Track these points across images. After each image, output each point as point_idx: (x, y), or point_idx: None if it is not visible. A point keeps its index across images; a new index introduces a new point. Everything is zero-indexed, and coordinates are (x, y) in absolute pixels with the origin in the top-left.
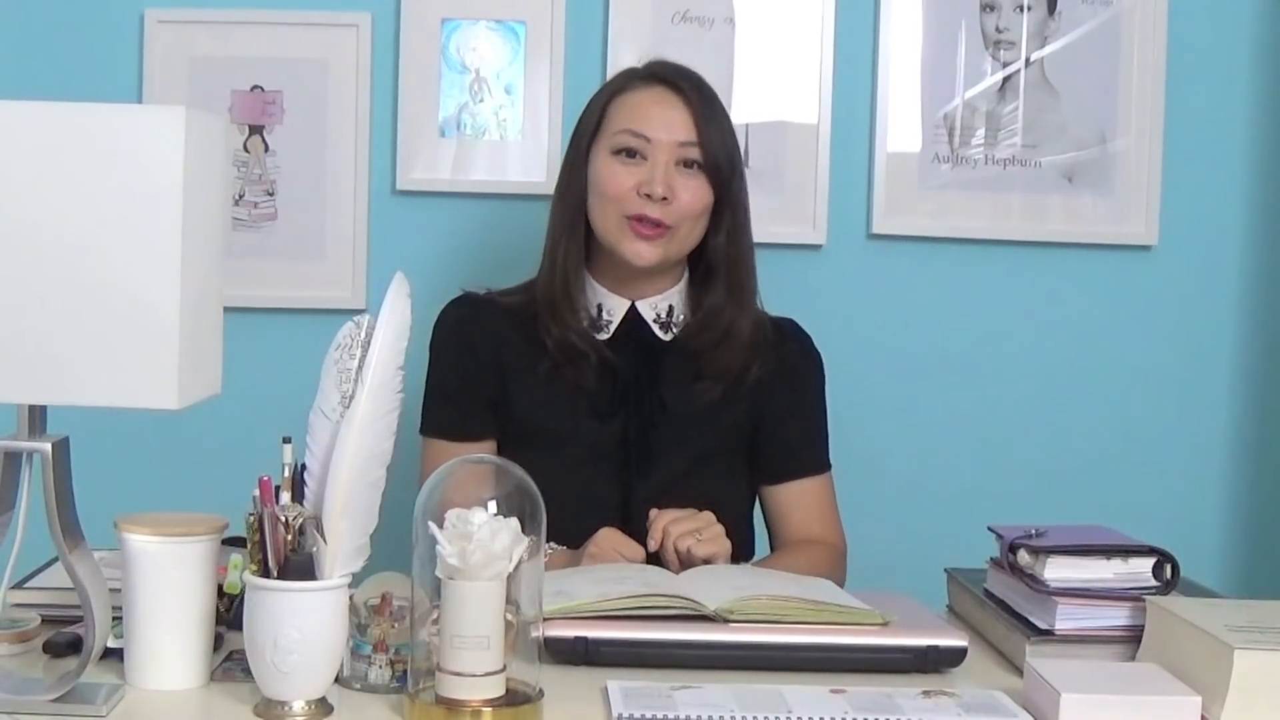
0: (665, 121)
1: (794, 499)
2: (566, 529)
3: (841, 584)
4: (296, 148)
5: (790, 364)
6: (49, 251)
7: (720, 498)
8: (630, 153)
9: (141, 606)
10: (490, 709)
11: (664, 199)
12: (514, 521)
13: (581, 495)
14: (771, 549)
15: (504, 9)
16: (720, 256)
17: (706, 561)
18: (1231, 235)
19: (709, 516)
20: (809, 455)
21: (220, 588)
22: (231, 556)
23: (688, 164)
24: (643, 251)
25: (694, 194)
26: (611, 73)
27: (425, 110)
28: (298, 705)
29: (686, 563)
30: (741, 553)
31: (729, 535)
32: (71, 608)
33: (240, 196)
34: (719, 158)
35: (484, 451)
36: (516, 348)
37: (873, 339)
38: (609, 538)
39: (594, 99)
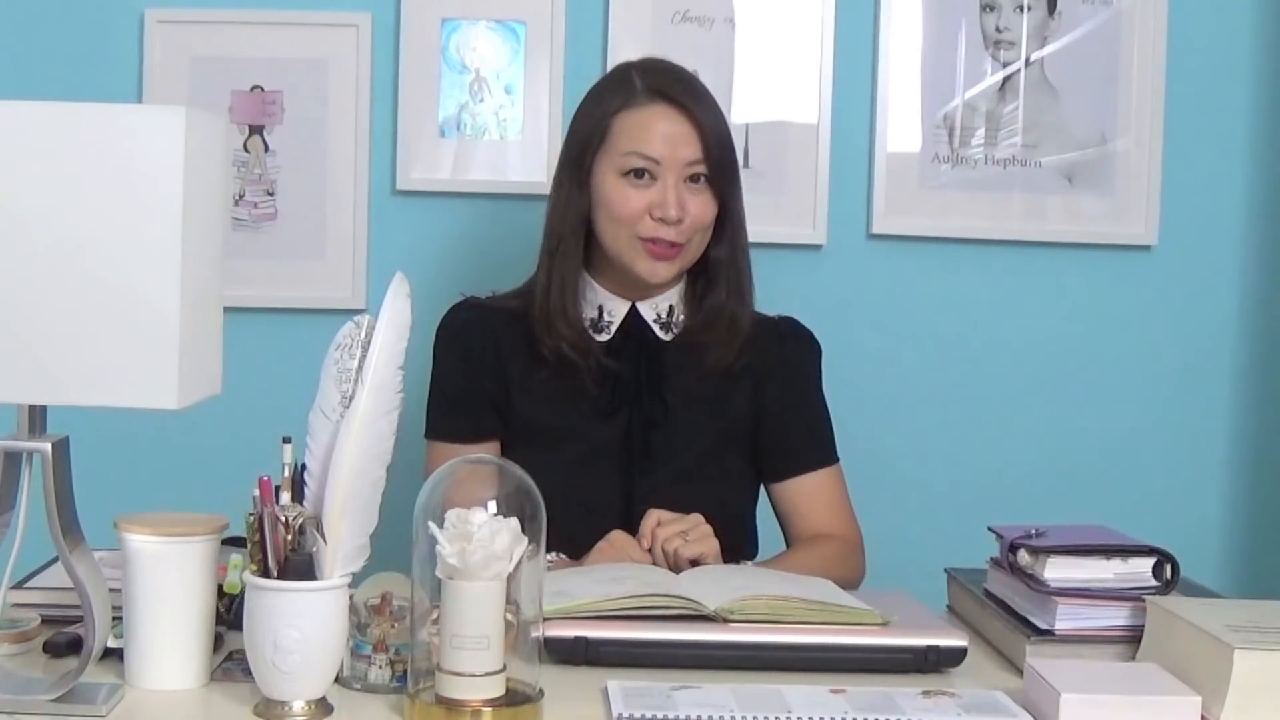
0: (672, 141)
1: (802, 494)
2: (569, 529)
3: (860, 575)
4: (296, 148)
5: (791, 360)
6: (49, 251)
7: (722, 496)
8: (639, 173)
9: (141, 606)
10: (490, 709)
11: (678, 220)
12: (514, 521)
13: (584, 495)
14: (787, 546)
15: (504, 9)
16: (722, 261)
17: (695, 562)
18: (1231, 235)
19: (697, 518)
20: (814, 449)
21: (220, 588)
22: (231, 556)
23: (694, 178)
24: (659, 270)
25: (702, 207)
26: (607, 75)
27: (425, 110)
28: (298, 705)
29: (675, 564)
30: (743, 552)
31: (731, 532)
32: (71, 608)
33: (240, 196)
34: (724, 166)
35: (488, 453)
36: (518, 350)
37: (873, 339)
38: (623, 541)
39: (594, 109)
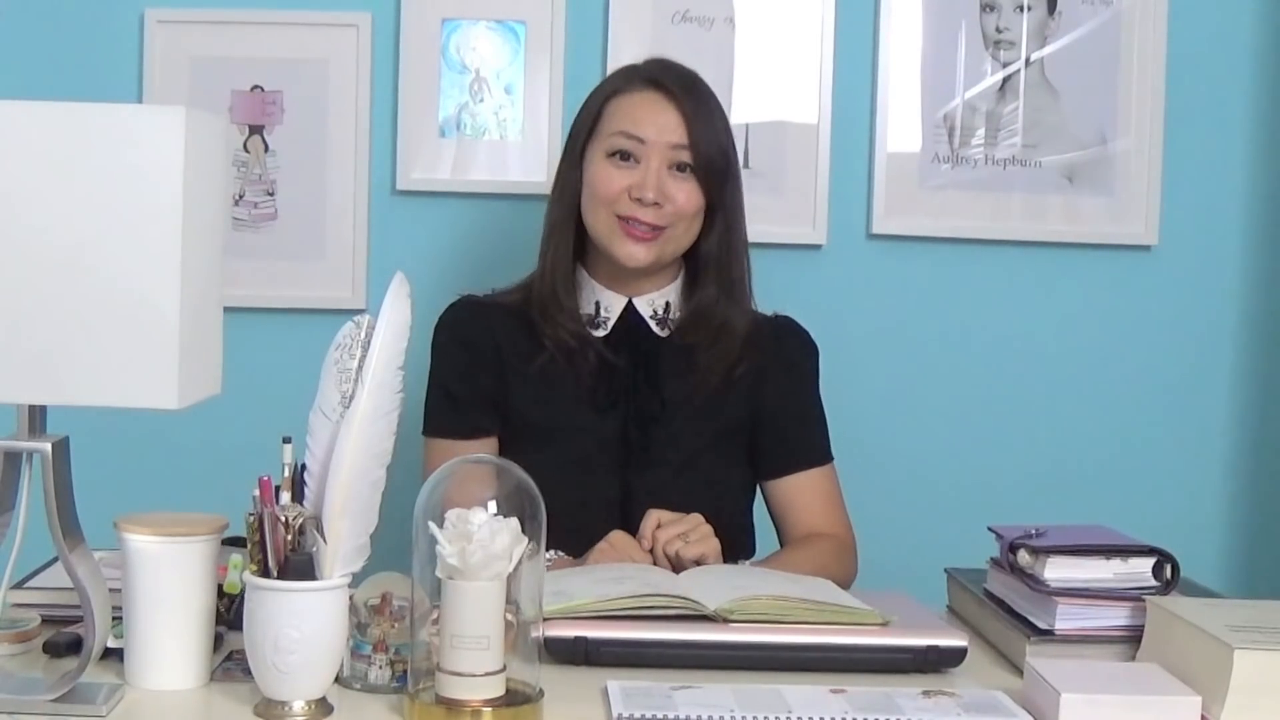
0: (658, 124)
1: (796, 492)
2: (567, 524)
3: (852, 575)
4: (296, 148)
5: (788, 358)
6: (49, 251)
7: (719, 492)
8: (624, 155)
9: (141, 606)
10: (490, 709)
11: (655, 204)
12: (514, 521)
13: (581, 491)
14: (780, 544)
15: (504, 9)
16: (713, 255)
17: (698, 562)
18: (1231, 235)
19: (697, 518)
20: (808, 448)
21: (220, 588)
22: (231, 556)
23: (680, 166)
24: (635, 253)
25: (687, 196)
26: (611, 72)
27: (425, 110)
28: (298, 705)
29: (677, 566)
30: (740, 548)
31: (728, 530)
32: (71, 608)
33: (240, 196)
34: (711, 160)
35: (486, 449)
36: (516, 345)
37: (873, 339)
38: (623, 541)
39: (590, 99)
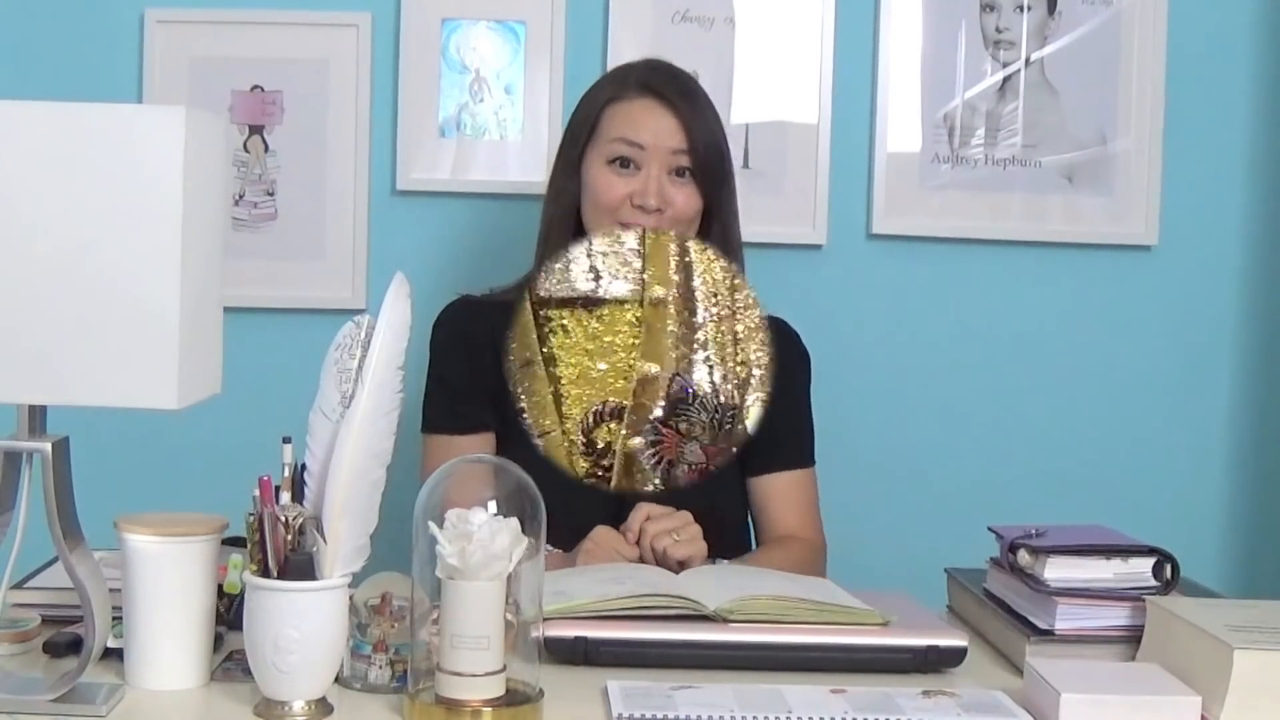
0: (657, 129)
1: (775, 491)
2: (562, 520)
3: None
4: (296, 148)
5: (780, 359)
6: (49, 251)
7: (714, 489)
8: (624, 162)
9: (141, 606)
10: (490, 709)
11: (658, 210)
12: (514, 521)
13: (577, 487)
14: (756, 544)
15: (504, 9)
16: None
17: (683, 563)
18: (1231, 235)
19: (686, 516)
20: (791, 449)
21: (220, 588)
22: (231, 556)
23: (679, 171)
24: None
25: (686, 199)
26: (605, 74)
27: (425, 110)
28: (298, 705)
29: (663, 563)
30: (736, 543)
31: (722, 524)
32: (71, 608)
33: (240, 196)
34: (709, 162)
35: (484, 444)
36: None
37: (873, 339)
38: (606, 537)
39: (588, 101)
